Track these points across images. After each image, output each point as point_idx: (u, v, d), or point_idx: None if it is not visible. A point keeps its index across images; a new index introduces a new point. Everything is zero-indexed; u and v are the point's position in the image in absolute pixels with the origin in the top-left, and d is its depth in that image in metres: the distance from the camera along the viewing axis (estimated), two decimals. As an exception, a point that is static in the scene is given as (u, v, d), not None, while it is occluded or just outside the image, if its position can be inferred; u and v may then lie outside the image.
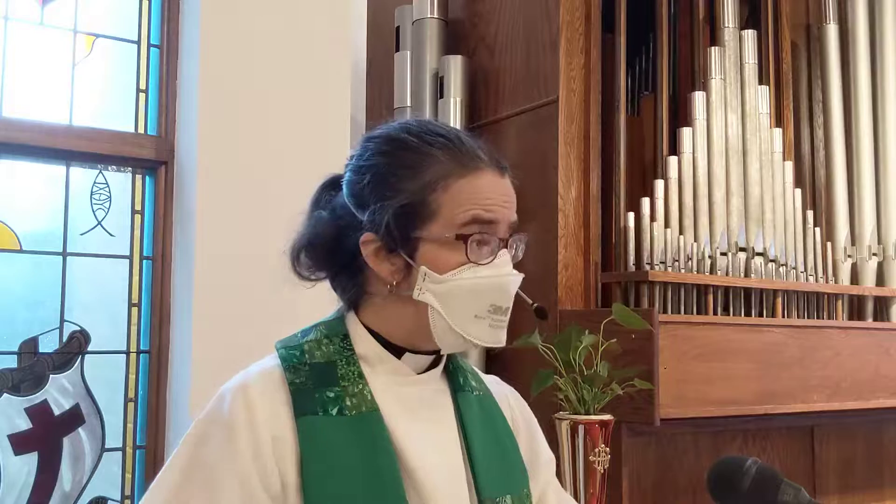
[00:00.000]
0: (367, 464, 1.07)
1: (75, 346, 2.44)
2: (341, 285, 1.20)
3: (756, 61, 2.77)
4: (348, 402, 1.10)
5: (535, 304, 1.29)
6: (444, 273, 1.11)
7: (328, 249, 1.17)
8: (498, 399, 1.29)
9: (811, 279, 2.76)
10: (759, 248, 2.63)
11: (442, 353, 1.18)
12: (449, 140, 1.15)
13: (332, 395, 1.10)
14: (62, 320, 2.42)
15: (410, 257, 1.12)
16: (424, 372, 1.19)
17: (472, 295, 1.11)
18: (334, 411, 1.09)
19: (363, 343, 1.16)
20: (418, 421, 1.14)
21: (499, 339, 1.15)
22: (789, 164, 2.80)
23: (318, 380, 1.11)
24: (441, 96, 2.73)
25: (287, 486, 1.05)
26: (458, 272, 1.11)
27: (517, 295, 1.19)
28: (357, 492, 1.06)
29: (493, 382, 1.32)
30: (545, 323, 2.27)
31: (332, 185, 1.22)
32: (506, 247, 1.15)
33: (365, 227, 1.13)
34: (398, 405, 1.13)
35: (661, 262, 2.46)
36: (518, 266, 1.18)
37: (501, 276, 1.13)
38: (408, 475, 1.09)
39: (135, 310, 2.52)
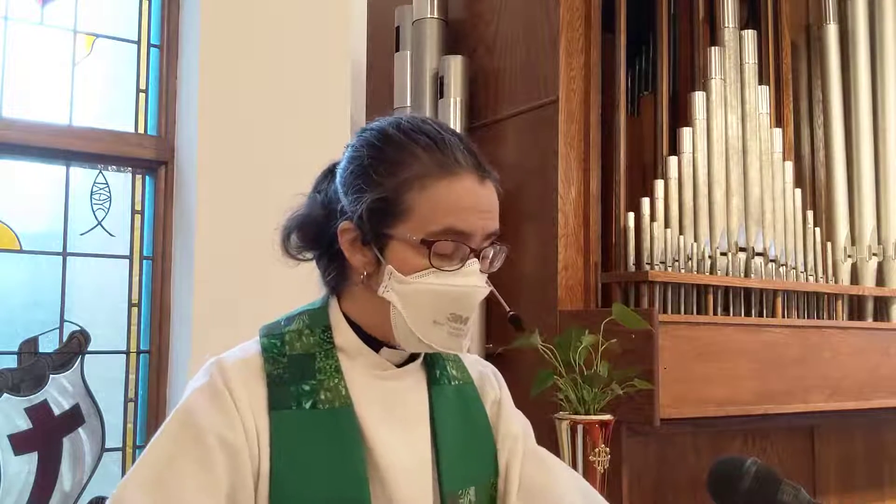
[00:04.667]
0: (335, 460, 1.09)
1: (75, 346, 2.44)
2: (323, 267, 1.21)
3: (756, 61, 2.77)
4: (322, 396, 1.12)
5: (511, 313, 1.28)
6: (408, 275, 1.11)
7: (315, 231, 1.19)
8: (482, 381, 1.30)
9: (811, 279, 2.76)
10: (759, 248, 2.63)
11: (404, 349, 1.17)
12: (432, 140, 1.15)
13: (307, 388, 1.12)
14: (62, 320, 2.42)
15: (380, 252, 1.13)
16: (403, 365, 1.20)
17: (432, 301, 1.11)
18: (308, 405, 1.11)
19: (343, 335, 1.17)
20: (391, 416, 1.15)
21: (458, 347, 1.15)
22: (789, 164, 2.80)
23: (296, 372, 1.13)
24: (441, 96, 2.73)
25: (261, 473, 1.07)
26: (421, 275, 1.11)
27: (495, 299, 1.18)
28: (322, 487, 1.07)
29: (474, 363, 1.32)
30: (545, 323, 2.27)
31: (332, 171, 1.23)
32: (478, 257, 1.13)
33: (344, 216, 1.15)
34: (373, 400, 1.15)
35: (661, 262, 2.46)
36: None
37: (464, 286, 1.12)
38: (376, 471, 1.11)
39: (135, 310, 2.52)
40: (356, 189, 1.14)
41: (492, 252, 1.17)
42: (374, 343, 1.17)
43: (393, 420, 1.15)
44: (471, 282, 1.13)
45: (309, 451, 1.08)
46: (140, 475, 1.06)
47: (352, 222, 1.13)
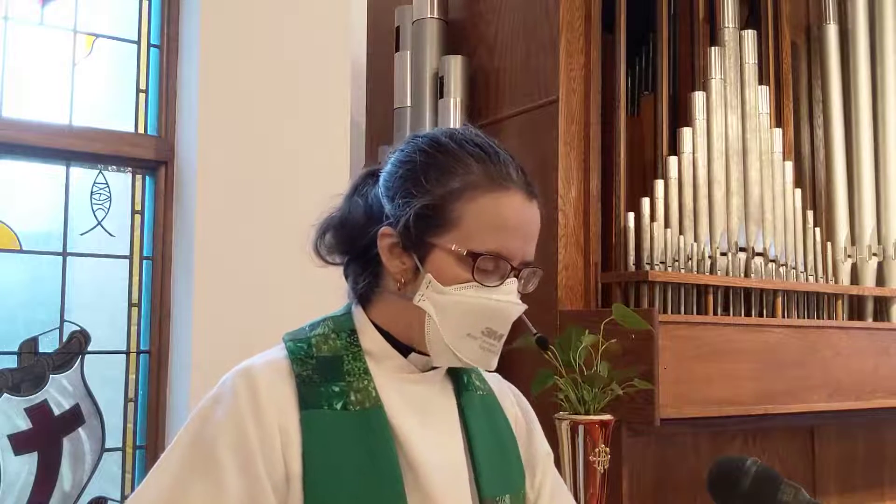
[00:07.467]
0: (368, 459, 1.08)
1: (75, 346, 2.44)
2: (354, 273, 1.20)
3: (756, 61, 2.77)
4: (353, 398, 1.11)
5: (538, 334, 1.29)
6: (448, 285, 1.11)
7: (353, 234, 1.18)
8: (501, 396, 1.30)
9: (811, 279, 2.76)
10: (759, 248, 2.63)
11: (433, 362, 1.17)
12: (485, 152, 1.15)
13: (337, 389, 1.11)
14: (62, 320, 2.42)
15: (420, 261, 1.12)
16: (430, 370, 1.19)
17: (469, 313, 1.11)
18: (338, 406, 1.10)
19: (370, 339, 1.17)
20: (422, 418, 1.15)
21: (488, 364, 1.15)
22: (789, 164, 2.80)
23: (324, 374, 1.12)
24: (441, 96, 2.73)
25: (291, 476, 1.06)
26: (461, 287, 1.11)
27: (522, 321, 1.18)
28: (357, 486, 1.07)
29: (494, 380, 1.33)
30: (545, 323, 2.27)
31: (373, 174, 1.23)
32: (516, 276, 1.14)
33: (387, 220, 1.14)
34: (402, 402, 1.14)
35: (661, 262, 2.46)
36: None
37: (504, 301, 1.12)
38: (412, 470, 1.10)
39: (135, 310, 2.52)
40: (404, 194, 1.13)
41: (528, 276, 1.17)
42: (402, 348, 1.17)
43: (424, 420, 1.15)
44: (510, 298, 1.13)
45: (342, 450, 1.08)
46: (147, 498, 1.06)
47: (394, 228, 1.13)
